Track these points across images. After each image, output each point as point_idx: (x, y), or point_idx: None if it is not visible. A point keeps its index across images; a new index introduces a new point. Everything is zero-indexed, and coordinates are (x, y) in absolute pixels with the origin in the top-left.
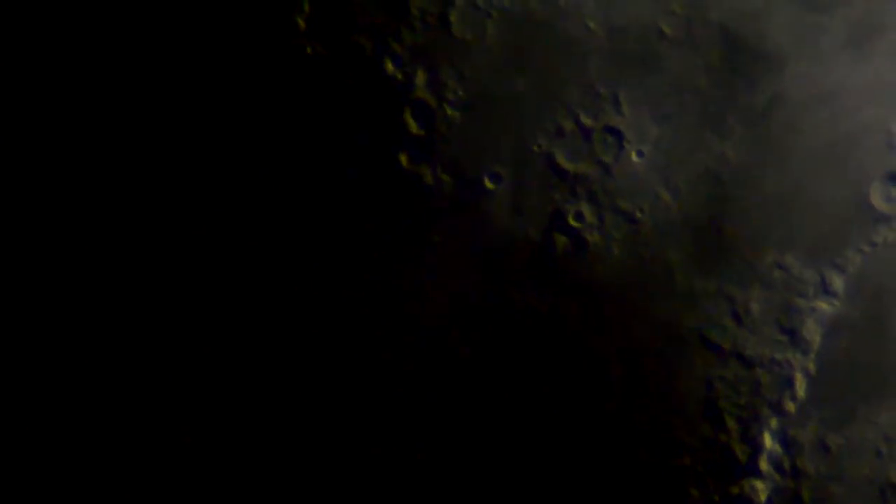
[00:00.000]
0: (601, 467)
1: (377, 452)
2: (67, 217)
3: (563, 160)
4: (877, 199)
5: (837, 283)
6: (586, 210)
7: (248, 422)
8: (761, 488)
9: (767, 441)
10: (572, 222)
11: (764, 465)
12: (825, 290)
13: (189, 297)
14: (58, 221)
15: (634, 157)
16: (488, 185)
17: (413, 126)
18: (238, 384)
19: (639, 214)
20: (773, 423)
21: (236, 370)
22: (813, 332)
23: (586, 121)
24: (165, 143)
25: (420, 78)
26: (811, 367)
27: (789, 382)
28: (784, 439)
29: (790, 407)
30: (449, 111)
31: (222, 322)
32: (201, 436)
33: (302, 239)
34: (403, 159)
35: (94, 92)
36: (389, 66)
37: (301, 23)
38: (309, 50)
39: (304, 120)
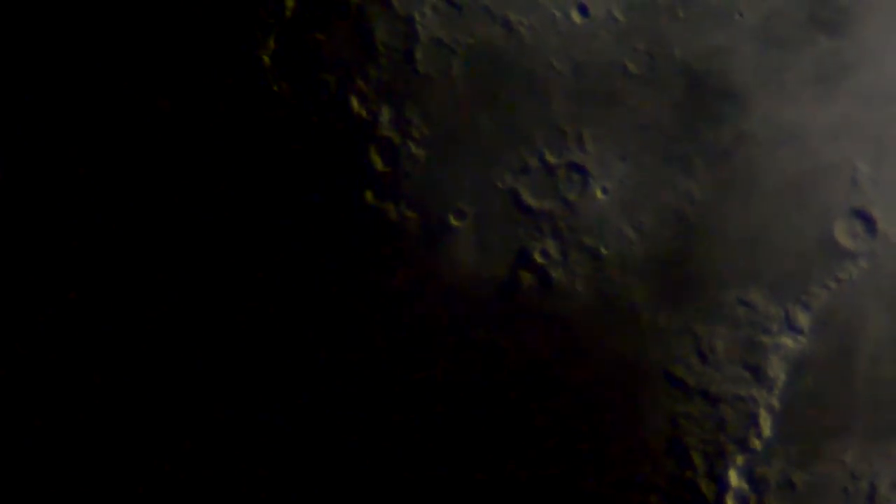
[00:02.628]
0: None
1: (341, 492)
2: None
3: (527, 197)
4: (841, 236)
5: (802, 319)
6: (551, 247)
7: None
8: None
9: (733, 478)
10: (537, 259)
11: (730, 502)
12: (790, 326)
13: (145, 344)
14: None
15: (599, 194)
16: (453, 221)
17: (378, 163)
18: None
19: (603, 251)
20: (739, 460)
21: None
22: (778, 369)
23: (551, 158)
24: (129, 178)
25: (385, 115)
26: (776, 403)
27: (754, 419)
28: (750, 476)
29: (756, 444)
30: (414, 148)
31: (175, 367)
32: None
33: (263, 275)
34: (368, 196)
35: (55, 134)
36: (354, 104)
37: (266, 60)
38: (274, 87)
39: (268, 157)
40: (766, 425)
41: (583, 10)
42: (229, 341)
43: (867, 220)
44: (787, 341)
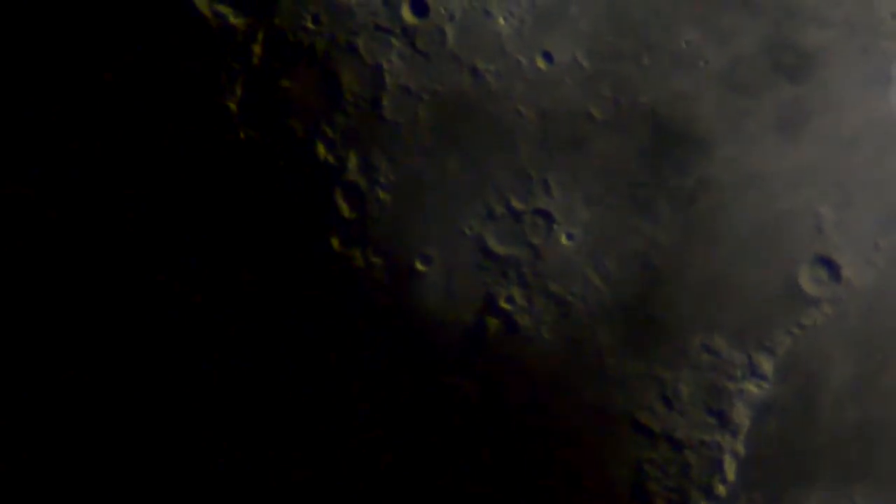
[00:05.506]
0: None
1: None
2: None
3: (493, 243)
4: (805, 282)
5: (766, 365)
6: (517, 293)
7: None
8: None
9: None
10: (503, 305)
11: None
12: (754, 372)
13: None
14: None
15: (564, 240)
16: (419, 267)
17: (345, 209)
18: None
19: (569, 297)
20: None
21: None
22: (742, 415)
23: (517, 204)
24: (95, 221)
25: (352, 161)
26: (740, 449)
27: (719, 465)
28: None
29: (720, 490)
30: (380, 194)
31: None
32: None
33: (230, 321)
34: (335, 242)
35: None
36: (321, 150)
37: (233, 107)
38: (241, 134)
39: (235, 203)
40: (731, 471)
41: (548, 57)
42: (194, 386)
43: (831, 267)
44: (752, 387)
